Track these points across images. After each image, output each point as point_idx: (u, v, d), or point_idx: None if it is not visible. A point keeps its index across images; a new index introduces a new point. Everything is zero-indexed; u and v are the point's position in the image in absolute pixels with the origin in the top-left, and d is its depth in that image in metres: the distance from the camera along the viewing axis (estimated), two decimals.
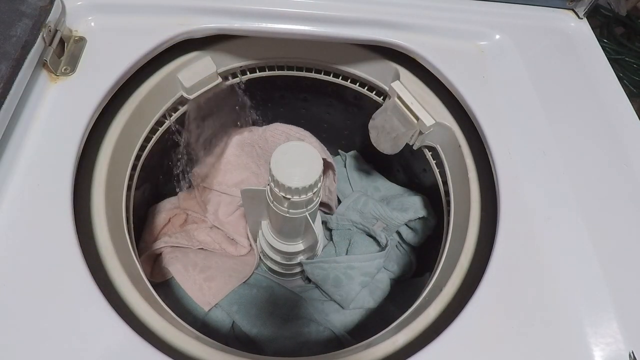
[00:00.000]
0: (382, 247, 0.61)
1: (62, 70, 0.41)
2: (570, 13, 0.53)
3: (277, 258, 0.60)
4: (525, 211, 0.38)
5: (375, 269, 0.59)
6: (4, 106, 0.34)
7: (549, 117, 0.44)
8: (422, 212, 0.62)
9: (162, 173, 0.64)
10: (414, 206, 0.63)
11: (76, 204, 0.36)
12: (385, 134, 0.52)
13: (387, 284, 0.61)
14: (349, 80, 0.59)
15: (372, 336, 0.37)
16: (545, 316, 0.33)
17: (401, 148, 0.51)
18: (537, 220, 0.38)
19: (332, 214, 0.68)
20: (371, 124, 0.53)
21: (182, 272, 0.57)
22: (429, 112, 0.47)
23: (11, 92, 0.35)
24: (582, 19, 0.53)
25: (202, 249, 0.61)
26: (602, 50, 0.50)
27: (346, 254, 0.62)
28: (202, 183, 0.67)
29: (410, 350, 0.33)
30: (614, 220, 0.39)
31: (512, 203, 0.38)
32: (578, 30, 0.52)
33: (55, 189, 0.35)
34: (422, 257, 0.67)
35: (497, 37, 0.50)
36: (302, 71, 0.59)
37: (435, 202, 0.64)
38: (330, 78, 0.59)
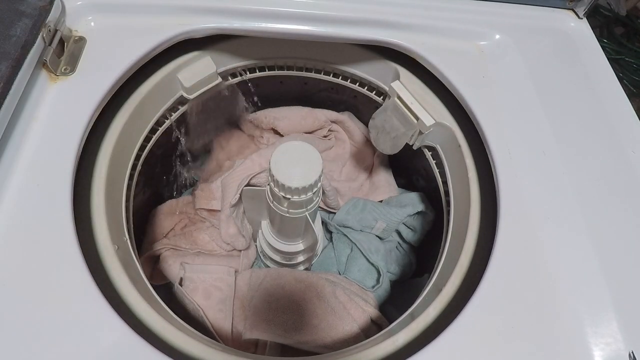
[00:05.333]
0: (378, 274, 0.60)
1: (62, 70, 0.41)
2: (570, 13, 0.53)
3: (277, 258, 0.60)
4: (525, 211, 0.38)
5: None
6: (3, 106, 0.34)
7: (549, 117, 0.44)
8: (420, 207, 0.62)
9: (162, 173, 0.64)
10: (412, 202, 0.64)
11: (76, 204, 0.36)
12: (385, 134, 0.52)
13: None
14: (349, 80, 0.59)
15: None
16: (545, 316, 0.33)
17: (401, 148, 0.51)
18: (537, 220, 0.38)
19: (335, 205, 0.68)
20: (371, 123, 0.53)
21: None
22: (429, 112, 0.47)
23: (11, 91, 0.35)
24: (582, 18, 0.53)
25: (199, 252, 0.61)
26: (602, 50, 0.50)
27: (344, 267, 0.62)
28: (204, 181, 0.67)
29: (410, 350, 0.33)
30: (614, 220, 0.39)
31: (512, 203, 0.38)
32: (578, 30, 0.52)
33: (55, 189, 0.35)
34: (421, 257, 0.67)
35: (497, 37, 0.50)
36: (302, 71, 0.59)
37: (433, 198, 0.64)
38: (330, 78, 0.59)
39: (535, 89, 0.46)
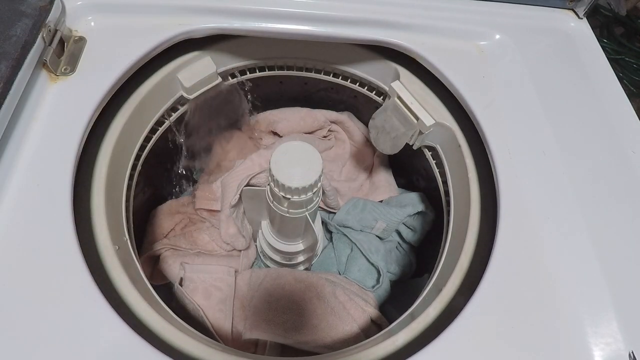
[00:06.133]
0: (378, 274, 0.60)
1: (62, 70, 0.41)
2: (570, 13, 0.54)
3: (277, 258, 0.60)
4: (525, 211, 0.38)
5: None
6: (3, 106, 0.34)
7: (549, 117, 0.44)
8: (420, 207, 0.62)
9: (162, 173, 0.64)
10: (412, 202, 0.64)
11: (76, 204, 0.36)
12: (385, 134, 0.52)
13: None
14: (349, 80, 0.59)
15: None
16: (545, 316, 0.33)
17: (401, 148, 0.51)
18: (537, 220, 0.38)
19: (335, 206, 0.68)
20: (371, 123, 0.53)
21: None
22: (429, 112, 0.47)
23: (11, 92, 0.35)
24: (582, 18, 0.53)
25: (199, 252, 0.61)
26: (602, 50, 0.50)
27: (344, 267, 0.62)
28: (204, 181, 0.67)
29: (410, 350, 0.33)
30: (614, 220, 0.39)
31: (512, 203, 0.38)
32: (578, 30, 0.52)
33: (55, 189, 0.35)
34: (421, 257, 0.67)
35: (497, 37, 0.50)
36: (302, 71, 0.59)
37: (433, 198, 0.64)
38: (330, 78, 0.59)
39: (535, 89, 0.46)
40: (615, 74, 0.48)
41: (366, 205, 0.64)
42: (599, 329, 0.33)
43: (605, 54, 0.50)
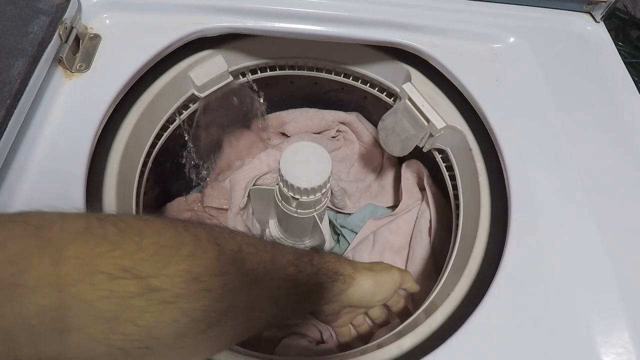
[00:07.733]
0: None
1: (77, 67, 0.41)
2: (587, 16, 0.53)
3: None
4: (537, 217, 0.38)
5: None
6: (21, 101, 0.35)
7: (563, 122, 0.43)
8: None
9: (172, 170, 0.64)
10: None
11: (89, 199, 0.36)
12: (394, 136, 0.51)
13: None
14: (359, 81, 0.59)
15: None
16: (554, 325, 0.33)
17: (410, 150, 0.51)
18: (549, 227, 0.37)
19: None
20: (380, 125, 0.53)
21: None
22: (440, 114, 0.47)
23: (28, 87, 0.35)
24: (598, 22, 0.52)
25: None
26: (619, 54, 0.50)
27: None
28: (213, 179, 0.68)
29: (416, 354, 0.33)
30: (628, 228, 0.38)
31: (523, 209, 0.38)
32: (594, 34, 0.51)
33: (68, 183, 0.35)
34: None
35: (512, 40, 0.49)
36: (313, 71, 0.59)
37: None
38: (341, 78, 0.59)
39: (549, 93, 0.45)
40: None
41: (376, 211, 0.64)
42: (610, 338, 0.32)
43: (621, 58, 0.49)
